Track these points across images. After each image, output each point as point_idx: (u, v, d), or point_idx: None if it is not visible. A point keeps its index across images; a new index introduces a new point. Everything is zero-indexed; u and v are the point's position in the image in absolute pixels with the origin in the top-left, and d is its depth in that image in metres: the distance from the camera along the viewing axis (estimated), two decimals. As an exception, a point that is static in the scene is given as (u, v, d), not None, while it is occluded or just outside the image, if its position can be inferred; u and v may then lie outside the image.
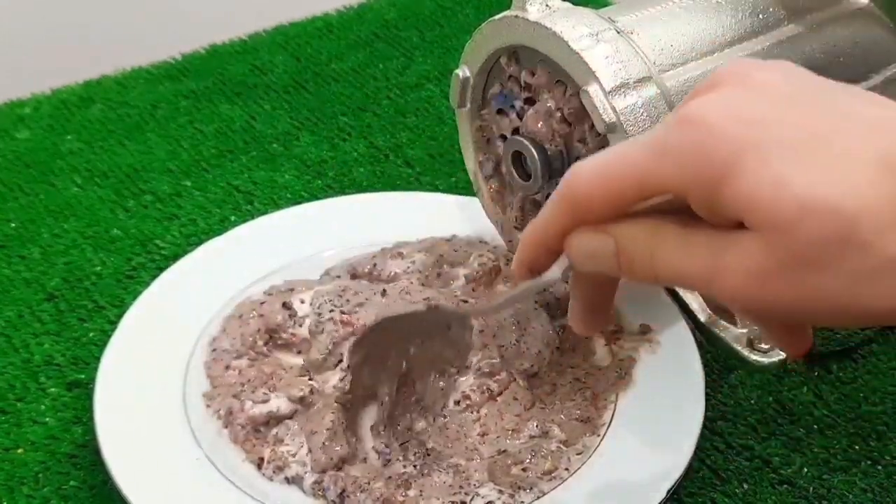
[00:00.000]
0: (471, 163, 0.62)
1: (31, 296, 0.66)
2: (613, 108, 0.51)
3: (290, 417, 0.55)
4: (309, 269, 0.65)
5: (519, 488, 0.53)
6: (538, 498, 0.52)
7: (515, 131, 0.57)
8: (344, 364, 0.56)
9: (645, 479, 0.53)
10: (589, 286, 0.42)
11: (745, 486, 0.55)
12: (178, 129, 0.82)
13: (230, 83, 0.88)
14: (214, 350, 0.59)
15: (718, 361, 0.60)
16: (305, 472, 0.53)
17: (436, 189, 0.75)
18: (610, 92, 0.51)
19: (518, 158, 0.57)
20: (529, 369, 0.58)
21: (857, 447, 0.57)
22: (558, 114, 0.54)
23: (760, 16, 0.58)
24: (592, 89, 0.51)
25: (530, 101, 0.56)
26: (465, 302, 0.60)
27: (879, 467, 0.56)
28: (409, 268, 0.63)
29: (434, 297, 0.59)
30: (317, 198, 0.74)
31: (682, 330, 0.59)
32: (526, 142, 0.55)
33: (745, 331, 0.56)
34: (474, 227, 0.66)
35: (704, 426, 0.55)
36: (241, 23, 0.96)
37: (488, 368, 0.57)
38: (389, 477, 0.53)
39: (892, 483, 0.55)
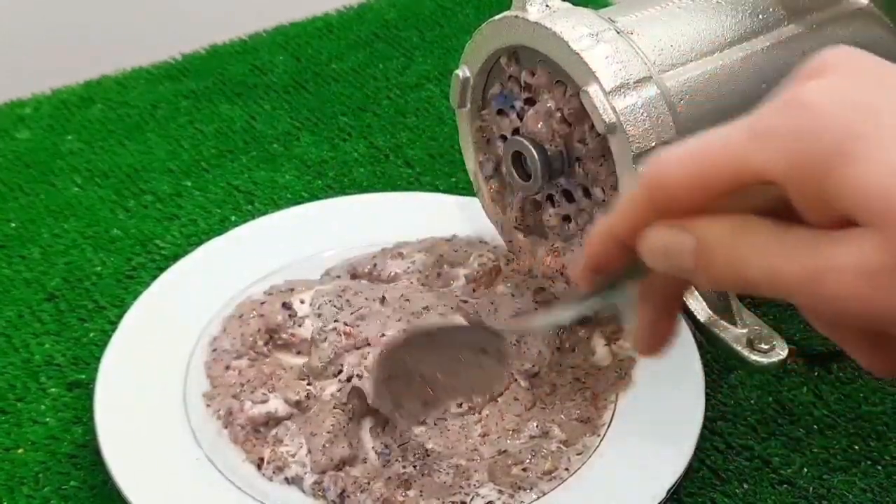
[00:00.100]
0: (471, 163, 0.62)
1: (32, 296, 0.66)
2: (613, 109, 0.51)
3: (288, 419, 0.55)
4: (309, 269, 0.65)
5: (519, 488, 0.53)
6: (538, 498, 0.52)
7: (515, 131, 0.57)
8: (344, 376, 0.56)
9: (645, 479, 0.53)
10: (653, 299, 0.39)
11: (745, 486, 0.55)
12: (179, 129, 0.83)
13: (230, 83, 0.88)
14: (215, 350, 0.59)
15: (718, 361, 0.60)
16: (305, 473, 0.53)
17: (436, 189, 0.75)
18: (610, 92, 0.51)
19: (518, 159, 0.57)
20: (530, 370, 0.58)
21: (857, 447, 0.57)
22: (558, 114, 0.54)
23: (760, 16, 0.58)
24: (592, 89, 0.51)
25: (530, 102, 0.56)
26: (493, 315, 0.58)
27: (879, 467, 0.56)
28: (409, 268, 0.63)
29: (469, 311, 0.57)
30: (317, 198, 0.74)
31: (682, 330, 0.59)
32: (526, 142, 0.55)
33: (745, 331, 0.56)
34: (474, 227, 0.66)
35: (704, 426, 0.55)
36: (241, 23, 0.96)
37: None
38: (389, 477, 0.53)
39: (892, 483, 0.55)
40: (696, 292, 0.57)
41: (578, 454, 0.55)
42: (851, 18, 0.61)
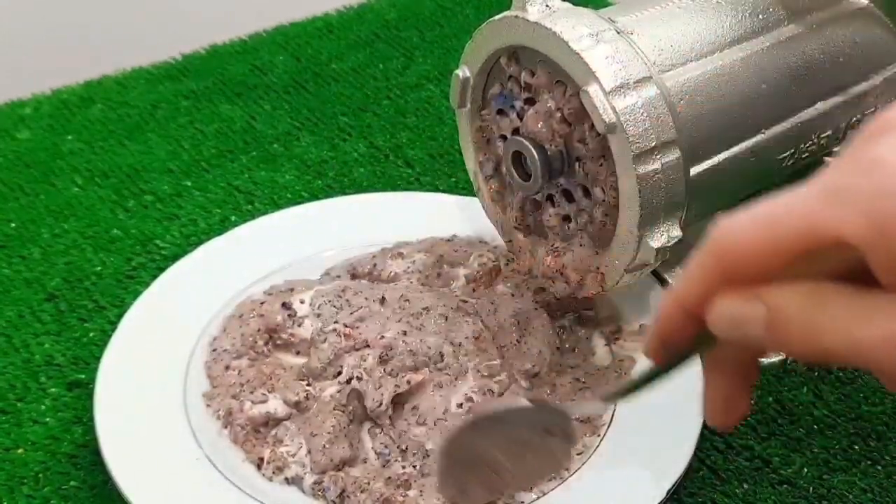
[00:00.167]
0: (471, 163, 0.62)
1: (32, 296, 0.66)
2: (613, 109, 0.51)
3: (287, 419, 0.55)
4: (309, 269, 0.65)
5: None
6: (538, 498, 0.52)
7: (515, 131, 0.57)
8: (344, 377, 0.56)
9: (645, 479, 0.53)
10: (726, 369, 0.37)
11: (745, 485, 0.55)
12: (179, 129, 0.83)
13: (230, 83, 0.88)
14: (215, 350, 0.59)
15: (718, 361, 0.60)
16: (305, 473, 0.53)
17: (436, 189, 0.75)
18: (610, 92, 0.51)
19: (518, 158, 0.57)
20: (531, 370, 0.58)
21: (856, 447, 0.57)
22: (558, 114, 0.54)
23: (760, 16, 0.58)
24: (592, 89, 0.51)
25: (530, 102, 0.56)
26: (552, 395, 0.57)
27: (879, 467, 0.56)
28: (409, 268, 0.63)
29: (536, 396, 0.57)
30: (317, 198, 0.74)
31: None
32: (526, 142, 0.55)
33: (744, 331, 0.56)
34: (474, 227, 0.66)
35: (704, 426, 0.55)
36: (242, 23, 0.96)
37: (488, 371, 0.57)
38: (389, 477, 0.53)
39: (891, 483, 0.55)
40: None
41: (578, 454, 0.55)
42: (851, 18, 0.61)
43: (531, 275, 0.61)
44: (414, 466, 0.53)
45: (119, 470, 0.52)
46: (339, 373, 0.56)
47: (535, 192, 0.57)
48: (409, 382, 0.55)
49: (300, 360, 0.59)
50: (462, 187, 0.74)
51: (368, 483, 0.52)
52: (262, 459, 0.54)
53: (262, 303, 0.61)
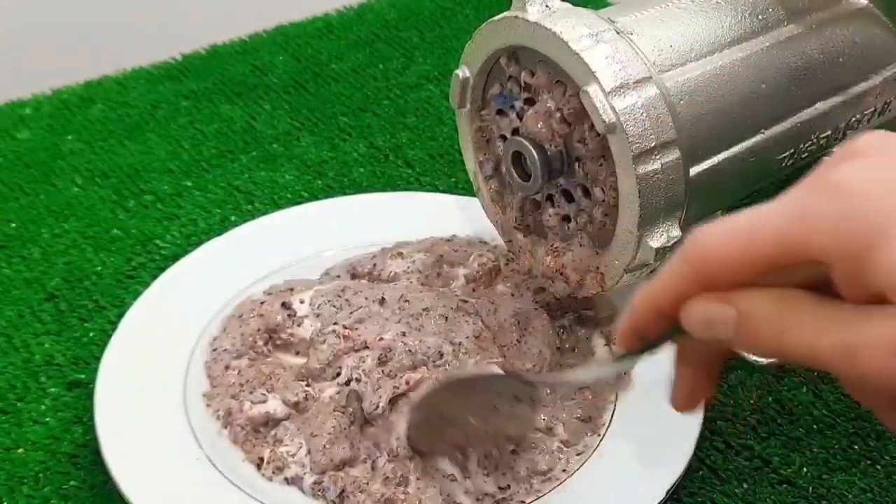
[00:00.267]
0: (471, 163, 0.62)
1: (32, 296, 0.67)
2: (613, 109, 0.51)
3: (286, 419, 0.55)
4: (309, 269, 0.65)
5: (513, 480, 0.53)
6: (538, 498, 0.52)
7: (515, 131, 0.57)
8: (343, 378, 0.56)
9: (645, 479, 0.53)
10: (696, 361, 0.41)
11: (745, 485, 0.55)
12: (179, 129, 0.83)
13: (230, 83, 0.88)
14: (215, 350, 0.59)
15: (718, 361, 0.60)
16: (305, 473, 0.53)
17: (436, 189, 0.75)
18: (610, 92, 0.51)
19: (518, 159, 0.57)
20: (531, 369, 0.58)
21: (856, 447, 0.57)
22: (558, 114, 0.54)
23: (760, 16, 0.58)
24: (592, 90, 0.51)
25: (530, 102, 0.56)
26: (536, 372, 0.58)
27: (879, 467, 0.56)
28: (409, 268, 0.63)
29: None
30: (317, 198, 0.74)
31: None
32: (526, 142, 0.55)
33: (744, 331, 0.56)
34: (474, 227, 0.66)
35: (704, 426, 0.55)
36: (242, 23, 0.96)
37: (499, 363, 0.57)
38: (387, 476, 0.53)
39: (891, 483, 0.55)
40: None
41: (579, 454, 0.55)
42: (851, 18, 0.61)
43: (531, 275, 0.61)
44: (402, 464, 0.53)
45: (119, 470, 0.52)
46: (338, 374, 0.56)
47: (535, 192, 0.58)
48: (407, 383, 0.55)
49: (300, 361, 0.59)
50: (462, 187, 0.74)
51: (368, 483, 0.52)
52: (261, 459, 0.54)
53: (261, 303, 0.61)
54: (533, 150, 0.55)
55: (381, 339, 0.57)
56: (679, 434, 0.54)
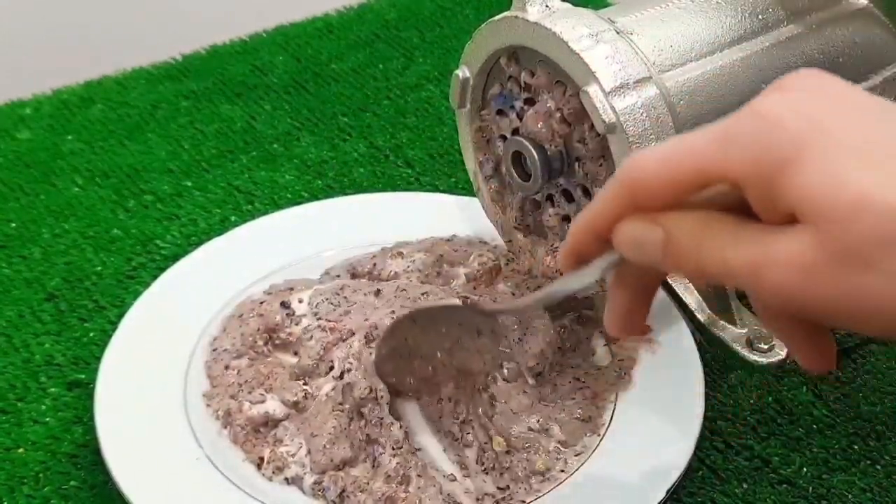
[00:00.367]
0: (471, 163, 0.62)
1: (32, 296, 0.67)
2: (613, 109, 0.51)
3: (285, 419, 0.55)
4: (309, 269, 0.65)
5: (512, 480, 0.53)
6: (538, 498, 0.52)
7: (515, 132, 0.57)
8: (337, 372, 0.56)
9: (645, 478, 0.53)
10: (630, 285, 0.42)
11: (745, 485, 0.55)
12: (179, 129, 0.83)
13: (230, 83, 0.88)
14: (215, 350, 0.59)
15: (718, 361, 0.60)
16: (305, 473, 0.53)
17: (436, 189, 0.75)
18: (609, 92, 0.51)
19: (518, 159, 0.57)
20: (535, 367, 0.58)
21: (856, 447, 0.57)
22: (558, 114, 0.54)
23: (760, 16, 0.58)
24: (592, 90, 0.51)
25: (530, 102, 0.56)
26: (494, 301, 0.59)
27: (879, 467, 0.56)
28: (409, 267, 0.63)
29: (451, 294, 0.58)
30: (317, 198, 0.74)
31: (681, 330, 0.59)
32: (526, 142, 0.55)
33: (744, 331, 0.56)
34: (474, 227, 0.66)
35: (704, 426, 0.55)
36: (242, 23, 0.96)
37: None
38: (388, 475, 0.53)
39: (891, 483, 0.55)
40: (696, 292, 0.57)
41: (577, 454, 0.55)
42: (851, 18, 0.61)
43: (531, 275, 0.61)
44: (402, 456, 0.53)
45: (119, 470, 0.52)
46: (331, 368, 0.56)
47: (535, 192, 0.58)
48: None
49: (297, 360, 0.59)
50: (462, 187, 0.74)
51: (368, 483, 0.52)
52: (261, 459, 0.54)
53: (261, 302, 0.61)
54: (533, 150, 0.55)
55: (367, 320, 0.57)
56: (679, 434, 0.54)
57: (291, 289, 0.62)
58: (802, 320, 0.39)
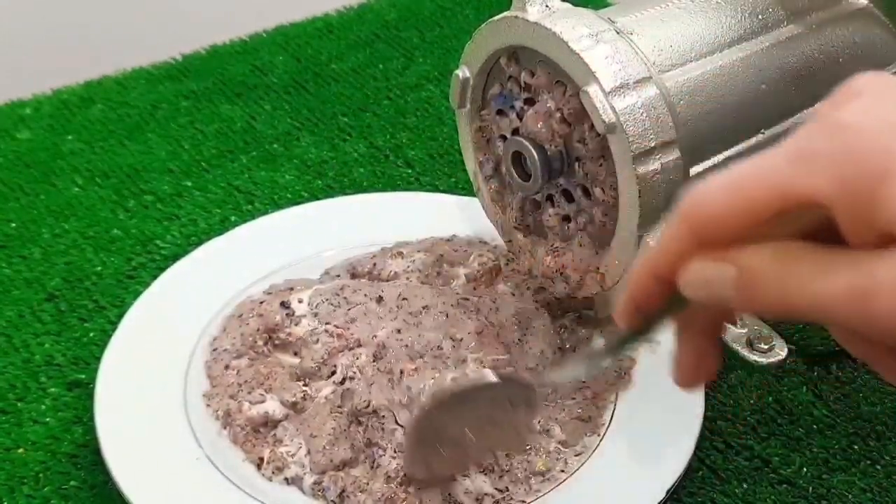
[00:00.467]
0: (471, 163, 0.62)
1: (32, 296, 0.67)
2: (613, 109, 0.51)
3: (284, 420, 0.55)
4: (309, 269, 0.65)
5: (511, 481, 0.53)
6: (538, 498, 0.52)
7: (515, 132, 0.57)
8: (338, 377, 0.56)
9: (645, 478, 0.53)
10: (698, 329, 0.39)
11: (745, 485, 0.55)
12: (179, 129, 0.83)
13: (230, 83, 0.88)
14: (215, 350, 0.59)
15: (718, 361, 0.60)
16: (305, 473, 0.53)
17: (436, 189, 0.75)
18: (609, 92, 0.51)
19: (518, 159, 0.57)
20: (535, 368, 0.58)
21: (856, 447, 0.57)
22: (558, 114, 0.54)
23: (760, 16, 0.58)
24: (592, 90, 0.51)
25: (530, 102, 0.56)
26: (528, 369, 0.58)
27: (879, 467, 0.56)
28: (409, 267, 0.63)
29: (502, 365, 0.57)
30: (317, 198, 0.74)
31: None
32: (526, 142, 0.55)
33: (744, 331, 0.56)
34: (474, 227, 0.66)
35: (704, 426, 0.55)
36: (242, 23, 0.96)
37: (492, 364, 0.57)
38: (388, 475, 0.53)
39: (891, 483, 0.55)
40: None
41: (578, 455, 0.55)
42: (851, 18, 0.61)
43: (531, 275, 0.61)
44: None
45: (119, 470, 0.52)
46: (333, 373, 0.56)
47: (535, 192, 0.58)
48: (402, 372, 0.55)
49: (298, 360, 0.58)
50: (462, 187, 0.74)
51: (368, 483, 0.52)
52: (261, 459, 0.54)
53: (261, 302, 0.61)
54: (533, 150, 0.55)
55: (375, 336, 0.57)
56: (679, 434, 0.54)
57: (291, 289, 0.62)
58: None
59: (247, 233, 0.68)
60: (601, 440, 0.55)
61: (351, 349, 0.57)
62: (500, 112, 0.59)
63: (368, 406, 0.54)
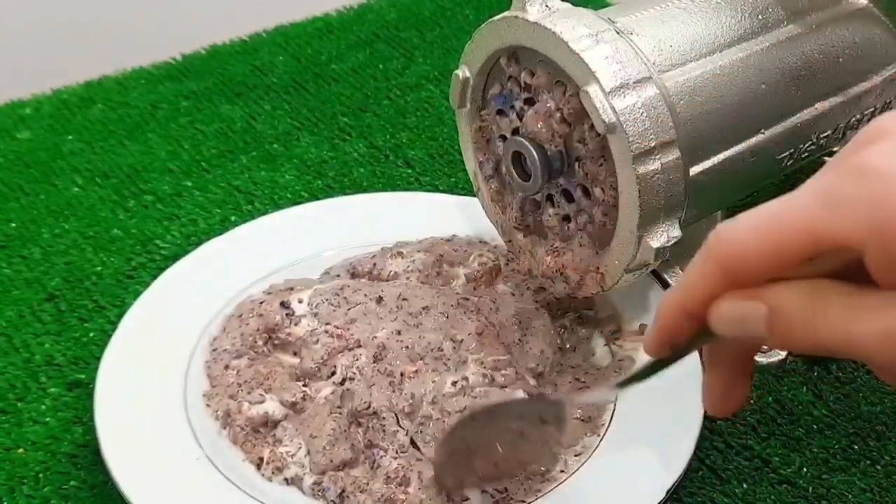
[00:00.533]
0: (471, 163, 0.62)
1: (32, 296, 0.67)
2: (613, 109, 0.51)
3: (284, 420, 0.55)
4: (309, 269, 0.65)
5: (510, 480, 0.53)
6: (538, 497, 0.52)
7: (515, 132, 0.57)
8: (338, 377, 0.56)
9: (645, 478, 0.53)
10: (727, 361, 0.40)
11: (745, 485, 0.55)
12: (179, 129, 0.83)
13: (231, 83, 0.88)
14: (215, 350, 0.59)
15: (718, 361, 0.60)
16: (304, 473, 0.53)
17: (436, 189, 0.75)
18: (609, 92, 0.51)
19: (518, 159, 0.57)
20: (535, 368, 0.58)
21: (856, 447, 0.57)
22: (558, 114, 0.54)
23: (760, 16, 0.58)
24: (592, 90, 0.51)
25: (530, 102, 0.56)
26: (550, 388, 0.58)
27: (878, 467, 0.56)
28: (408, 267, 0.63)
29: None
30: (317, 198, 0.74)
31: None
32: (526, 142, 0.55)
33: (744, 331, 0.56)
34: (474, 227, 0.66)
35: (704, 426, 0.55)
36: (242, 23, 0.96)
37: (493, 365, 0.57)
38: (388, 475, 0.53)
39: (891, 483, 0.55)
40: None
41: (577, 455, 0.55)
42: (851, 18, 0.61)
43: (531, 275, 0.61)
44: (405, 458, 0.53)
45: (119, 470, 0.52)
46: (333, 373, 0.56)
47: (535, 192, 0.58)
48: (402, 374, 0.55)
49: (297, 360, 0.58)
50: (462, 187, 0.74)
51: (368, 483, 0.52)
52: (261, 459, 0.54)
53: (261, 302, 0.61)
54: (533, 150, 0.55)
55: (375, 337, 0.57)
56: (679, 434, 0.54)
57: (291, 289, 0.62)
58: None
59: (247, 233, 0.68)
60: (601, 440, 0.55)
61: (351, 350, 0.57)
62: (500, 112, 0.59)
63: (369, 408, 0.54)
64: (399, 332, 0.57)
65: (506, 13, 0.55)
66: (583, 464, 0.54)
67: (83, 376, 0.61)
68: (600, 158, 0.53)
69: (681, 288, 0.38)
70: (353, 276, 0.64)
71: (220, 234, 0.68)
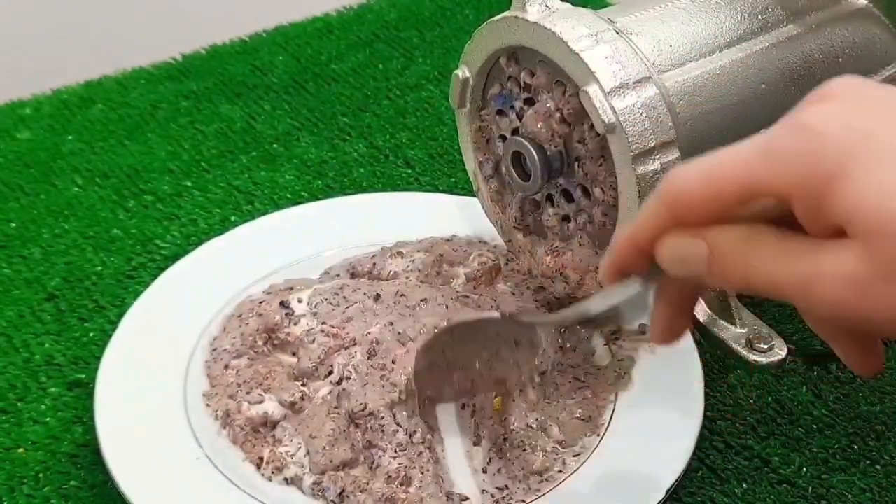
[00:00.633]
0: (471, 163, 0.62)
1: (32, 296, 0.67)
2: (613, 109, 0.51)
3: (283, 420, 0.55)
4: (309, 268, 0.65)
5: (509, 479, 0.53)
6: (538, 497, 0.52)
7: (515, 131, 0.57)
8: (335, 377, 0.56)
9: (645, 478, 0.53)
10: (672, 297, 0.42)
11: (745, 485, 0.55)
12: (179, 129, 0.83)
13: (231, 83, 0.88)
14: (215, 350, 0.59)
15: (718, 361, 0.60)
16: (304, 473, 0.53)
17: (436, 189, 0.75)
18: (609, 92, 0.51)
19: (518, 159, 0.57)
20: (539, 366, 0.58)
21: (856, 447, 0.57)
22: (558, 114, 0.54)
23: (760, 16, 0.58)
24: (592, 90, 0.51)
25: (530, 102, 0.56)
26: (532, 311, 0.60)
27: (878, 467, 0.56)
28: (408, 267, 0.63)
29: (501, 306, 0.59)
30: (317, 198, 0.74)
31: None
32: (525, 142, 0.55)
33: (744, 331, 0.56)
34: (474, 227, 0.66)
35: (704, 426, 0.55)
36: (242, 23, 0.96)
37: None
38: (389, 475, 0.53)
39: (890, 483, 0.55)
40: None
41: (576, 455, 0.55)
42: (851, 18, 0.61)
43: (531, 275, 0.61)
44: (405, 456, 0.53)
45: (119, 470, 0.52)
46: (330, 372, 0.56)
47: (535, 192, 0.58)
48: (393, 361, 0.55)
49: (296, 360, 0.58)
50: (462, 187, 0.74)
51: (368, 483, 0.52)
52: (261, 459, 0.54)
53: (261, 302, 0.61)
54: (533, 150, 0.55)
55: (368, 333, 0.57)
56: (678, 434, 0.54)
57: (291, 288, 0.62)
58: (853, 329, 0.39)
59: (247, 233, 0.68)
60: (601, 440, 0.55)
61: (346, 348, 0.57)
62: (499, 112, 0.59)
63: (365, 409, 0.54)
64: (392, 324, 0.57)
65: (506, 13, 0.55)
66: (583, 464, 0.54)
67: (83, 376, 0.61)
68: (600, 158, 0.53)
69: (634, 224, 0.40)
70: (353, 275, 0.64)
71: (220, 234, 0.68)
